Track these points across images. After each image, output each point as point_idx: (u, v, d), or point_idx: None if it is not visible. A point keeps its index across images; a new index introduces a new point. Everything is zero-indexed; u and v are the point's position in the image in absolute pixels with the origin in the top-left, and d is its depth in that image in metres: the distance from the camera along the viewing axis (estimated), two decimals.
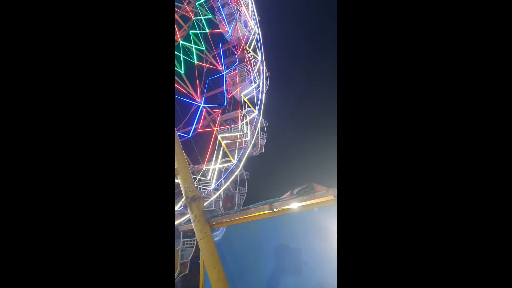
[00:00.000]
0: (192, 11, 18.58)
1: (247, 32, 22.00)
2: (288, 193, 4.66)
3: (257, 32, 23.03)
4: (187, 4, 18.53)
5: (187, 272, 14.19)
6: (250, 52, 21.84)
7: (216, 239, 4.96)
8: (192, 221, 4.69)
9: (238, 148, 18.50)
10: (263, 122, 20.72)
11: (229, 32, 20.68)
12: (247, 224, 4.86)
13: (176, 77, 17.24)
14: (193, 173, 16.91)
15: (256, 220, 4.78)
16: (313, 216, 4.25)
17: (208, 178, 16.56)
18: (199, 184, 16.30)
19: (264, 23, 23.60)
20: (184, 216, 14.20)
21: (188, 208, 4.78)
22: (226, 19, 21.16)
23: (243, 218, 4.86)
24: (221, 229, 5.14)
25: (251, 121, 20.01)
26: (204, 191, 16.10)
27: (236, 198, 17.71)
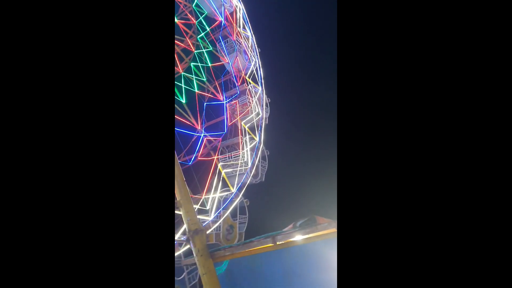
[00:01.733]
0: (193, 45, 19.36)
1: (246, 63, 22.73)
2: (291, 225, 4.70)
3: (257, 62, 23.80)
4: (189, 38, 19.37)
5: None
6: (250, 83, 22.43)
7: (219, 273, 4.95)
8: (194, 255, 4.70)
9: (238, 175, 18.32)
10: (265, 151, 20.70)
11: (230, 64, 21.36)
12: (250, 257, 4.88)
13: (176, 107, 17.57)
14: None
15: (259, 253, 4.74)
16: (316, 248, 4.27)
17: (207, 207, 16.21)
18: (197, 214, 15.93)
19: (264, 54, 24.47)
20: (183, 247, 13.93)
21: (190, 242, 4.84)
22: (227, 51, 21.98)
23: (246, 252, 4.82)
24: (224, 262, 5.20)
25: (252, 149, 20.04)
26: (203, 222, 15.62)
27: (237, 227, 17.37)
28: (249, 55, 23.32)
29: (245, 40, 23.57)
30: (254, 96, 22.20)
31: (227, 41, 22.29)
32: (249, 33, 23.83)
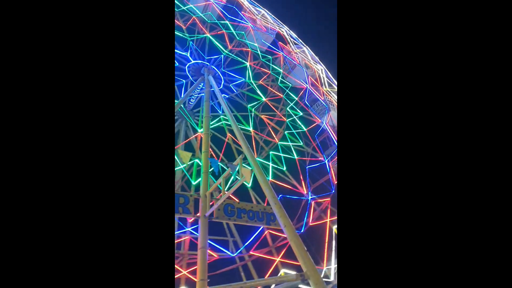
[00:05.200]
0: (284, 116, 20.77)
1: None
2: None
3: None
4: (280, 110, 21.01)
5: None
6: None
7: None
8: None
9: None
10: None
11: (323, 123, 21.57)
12: None
13: (280, 174, 18.23)
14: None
15: None
16: None
17: (331, 279, 14.32)
18: None
19: None
20: None
21: None
22: (317, 113, 22.49)
23: None
24: None
25: None
26: None
27: None
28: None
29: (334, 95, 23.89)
30: None
31: (317, 104, 22.99)
32: (335, 87, 24.22)
